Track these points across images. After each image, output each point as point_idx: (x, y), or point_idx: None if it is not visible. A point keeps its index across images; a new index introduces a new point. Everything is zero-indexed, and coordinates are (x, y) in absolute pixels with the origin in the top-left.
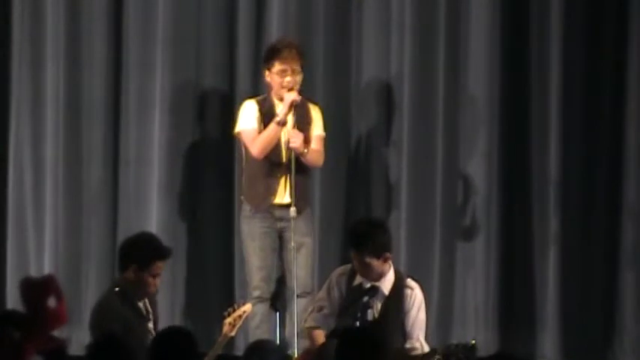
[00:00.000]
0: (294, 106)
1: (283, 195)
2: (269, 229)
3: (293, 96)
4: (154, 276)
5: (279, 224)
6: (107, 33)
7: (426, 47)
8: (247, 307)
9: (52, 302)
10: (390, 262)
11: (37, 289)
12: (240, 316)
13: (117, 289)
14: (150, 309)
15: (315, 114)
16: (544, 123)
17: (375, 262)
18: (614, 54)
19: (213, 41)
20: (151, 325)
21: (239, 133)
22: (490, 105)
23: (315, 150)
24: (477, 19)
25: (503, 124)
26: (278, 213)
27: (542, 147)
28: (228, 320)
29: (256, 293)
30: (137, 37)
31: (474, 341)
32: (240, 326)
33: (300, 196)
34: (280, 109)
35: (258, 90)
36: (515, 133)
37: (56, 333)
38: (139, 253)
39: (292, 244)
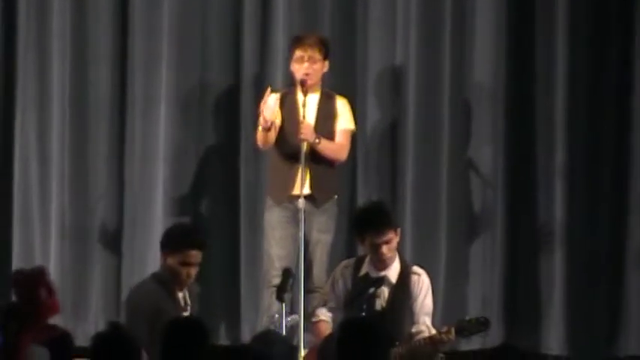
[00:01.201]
0: (280, 101)
1: (302, 187)
2: (290, 218)
3: (269, 98)
4: (187, 264)
5: (299, 215)
6: (113, 28)
7: (432, 40)
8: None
9: (43, 293)
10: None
11: (28, 280)
12: None
13: (155, 274)
14: (189, 301)
15: (342, 107)
16: (550, 115)
17: (395, 237)
18: (621, 46)
19: (219, 36)
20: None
21: None
22: (496, 98)
23: (336, 143)
24: (483, 11)
25: (509, 117)
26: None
27: (548, 140)
28: None
29: (276, 281)
30: (143, 33)
31: (486, 317)
32: None
33: (321, 189)
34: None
35: (264, 85)
36: (521, 126)
37: (60, 325)
38: (172, 241)
39: (301, 234)
